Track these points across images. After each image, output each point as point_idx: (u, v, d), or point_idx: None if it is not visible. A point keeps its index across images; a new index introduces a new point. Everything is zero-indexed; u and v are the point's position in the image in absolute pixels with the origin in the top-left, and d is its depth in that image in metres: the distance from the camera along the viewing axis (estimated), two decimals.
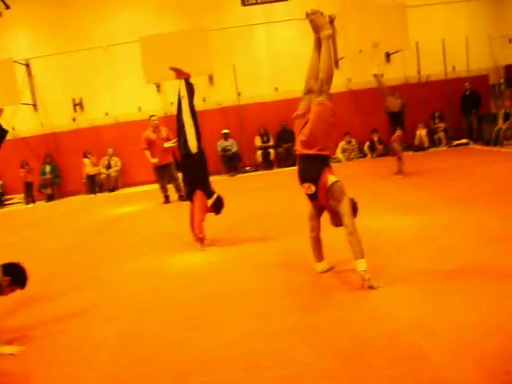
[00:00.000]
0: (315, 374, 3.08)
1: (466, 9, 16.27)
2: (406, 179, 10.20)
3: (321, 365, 3.17)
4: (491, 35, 16.40)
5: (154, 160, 11.24)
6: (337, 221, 4.75)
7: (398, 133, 10.52)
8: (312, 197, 4.72)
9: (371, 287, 4.33)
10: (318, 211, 4.90)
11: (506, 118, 14.44)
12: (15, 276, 4.19)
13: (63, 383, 3.40)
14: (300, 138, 4.71)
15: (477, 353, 3.08)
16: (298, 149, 4.75)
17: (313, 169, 4.64)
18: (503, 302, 3.75)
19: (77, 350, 3.89)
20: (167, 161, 11.33)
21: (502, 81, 16.10)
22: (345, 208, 4.52)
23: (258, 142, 16.03)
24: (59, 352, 3.91)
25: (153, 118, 11.55)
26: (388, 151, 12.72)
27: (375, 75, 10.43)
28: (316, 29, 4.85)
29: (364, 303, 4.09)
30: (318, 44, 4.87)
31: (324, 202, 4.67)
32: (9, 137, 4.55)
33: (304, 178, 4.71)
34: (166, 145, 11.15)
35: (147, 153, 11.32)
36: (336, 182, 4.60)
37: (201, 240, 6.53)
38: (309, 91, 4.83)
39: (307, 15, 4.86)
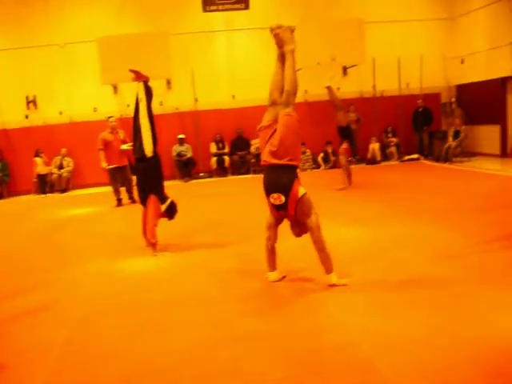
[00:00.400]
0: None
1: (421, 28, 16.68)
2: (358, 192, 10.38)
3: (271, 375, 3.19)
4: (445, 55, 16.89)
5: (105, 165, 11.12)
6: (299, 231, 4.87)
7: (345, 146, 10.78)
8: (279, 207, 4.73)
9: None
10: (277, 221, 4.92)
11: (456, 135, 14.88)
12: None
13: None
14: (268, 148, 4.74)
15: (425, 365, 3.17)
16: (266, 159, 4.76)
17: (283, 179, 4.67)
18: (450, 316, 3.88)
19: (21, 354, 3.81)
20: (122, 163, 11.23)
21: (453, 99, 16.56)
22: (314, 222, 4.65)
23: (213, 148, 16.02)
24: (1, 356, 3.83)
25: (111, 119, 11.44)
26: (336, 163, 12.96)
27: (328, 87, 10.63)
28: (280, 43, 4.94)
29: (316, 313, 4.14)
30: (282, 57, 4.95)
31: (292, 213, 4.71)
32: None
33: (273, 188, 4.70)
34: (123, 147, 11.05)
35: (102, 154, 11.17)
36: (305, 193, 4.70)
37: (153, 245, 6.49)
38: (273, 103, 4.89)
39: (271, 30, 4.93)
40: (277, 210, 4.78)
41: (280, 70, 4.95)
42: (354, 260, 5.52)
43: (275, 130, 4.75)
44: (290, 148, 4.73)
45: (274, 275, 5.04)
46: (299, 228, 4.85)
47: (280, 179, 4.67)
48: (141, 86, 6.68)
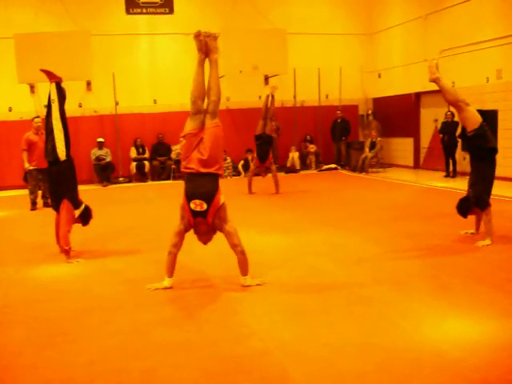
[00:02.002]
0: None
1: (340, 42, 17.19)
2: (276, 200, 10.53)
3: None
4: (363, 68, 17.45)
5: (28, 165, 10.73)
6: (206, 239, 5.01)
7: (255, 155, 11.21)
8: (198, 214, 4.80)
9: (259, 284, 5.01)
10: (186, 229, 4.96)
11: (372, 147, 15.38)
12: None
13: None
14: (197, 156, 4.82)
15: (338, 373, 3.25)
16: (194, 167, 4.84)
17: (208, 188, 4.80)
18: (362, 322, 4.02)
19: None
20: (45, 165, 10.82)
21: (370, 112, 17.11)
22: (232, 228, 4.87)
23: (133, 153, 15.75)
24: None
25: (36, 119, 11.03)
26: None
27: (271, 96, 11.01)
28: (205, 50, 5.05)
29: (230, 322, 4.16)
30: (203, 64, 5.05)
31: (209, 220, 4.82)
32: None
33: (197, 195, 4.78)
34: None
35: (25, 155, 10.77)
36: (224, 202, 4.87)
37: (66, 252, 6.30)
38: (198, 112, 4.97)
39: (198, 35, 5.02)
40: (194, 216, 4.84)
41: (202, 78, 5.03)
42: (269, 267, 5.60)
43: (201, 139, 4.86)
44: (217, 158, 4.91)
45: (169, 282, 5.03)
46: (206, 236, 4.98)
47: (205, 187, 4.80)
48: (53, 86, 6.48)
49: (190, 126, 4.96)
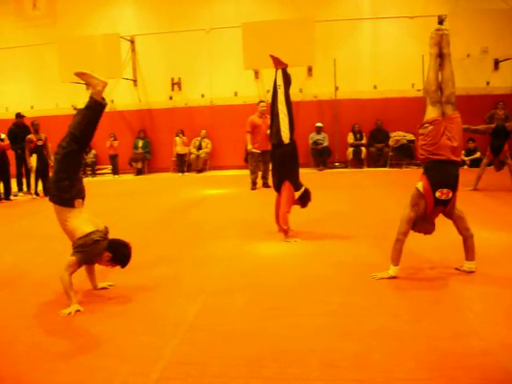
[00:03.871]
0: (394, 383, 2.95)
1: None
2: (509, 196, 9.59)
3: (401, 374, 3.00)
4: None
5: (250, 147, 11.25)
6: (427, 229, 4.97)
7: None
8: (441, 202, 4.79)
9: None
10: (417, 217, 4.87)
11: None
12: (117, 256, 4.40)
13: (134, 352, 3.42)
14: (448, 143, 4.80)
15: None
16: (445, 154, 4.80)
17: (456, 176, 4.84)
18: None
19: (153, 324, 3.92)
20: (267, 148, 11.25)
21: None
22: (463, 213, 4.91)
23: (350, 138, 15.74)
24: (133, 322, 3.98)
25: (262, 103, 11.52)
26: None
27: None
28: (443, 44, 5.03)
29: (450, 317, 3.87)
30: (437, 57, 5.05)
31: (449, 207, 4.84)
32: (107, 109, 4.68)
33: (447, 183, 4.77)
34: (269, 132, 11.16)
35: (249, 137, 11.31)
36: None
37: (285, 231, 6.46)
38: (438, 101, 4.94)
39: (440, 29, 5.06)
40: (436, 204, 4.80)
41: (437, 70, 5.04)
42: (494, 264, 5.17)
43: (446, 127, 4.83)
44: (462, 147, 4.98)
45: (394, 270, 4.87)
46: (432, 226, 4.97)
47: (454, 175, 4.83)
48: (279, 72, 6.65)
49: (434, 112, 4.92)
